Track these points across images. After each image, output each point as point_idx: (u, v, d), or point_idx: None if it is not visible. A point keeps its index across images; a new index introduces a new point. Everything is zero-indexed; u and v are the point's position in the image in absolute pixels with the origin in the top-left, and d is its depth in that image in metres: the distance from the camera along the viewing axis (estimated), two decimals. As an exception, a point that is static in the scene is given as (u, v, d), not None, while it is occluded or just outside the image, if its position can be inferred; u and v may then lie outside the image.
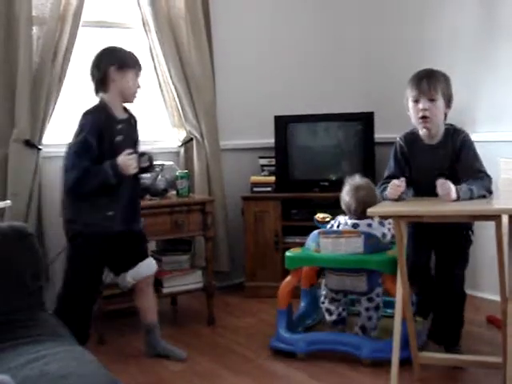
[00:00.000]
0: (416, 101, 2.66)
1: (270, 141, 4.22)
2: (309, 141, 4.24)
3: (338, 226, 3.18)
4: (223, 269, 4.27)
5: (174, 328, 3.64)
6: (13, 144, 3.48)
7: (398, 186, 2.60)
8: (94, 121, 2.82)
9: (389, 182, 2.68)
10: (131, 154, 2.83)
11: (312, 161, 4.20)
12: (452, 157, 2.69)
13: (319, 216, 3.43)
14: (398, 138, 2.85)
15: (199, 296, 3.74)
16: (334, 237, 3.06)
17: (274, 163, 4.25)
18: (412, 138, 2.80)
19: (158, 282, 3.62)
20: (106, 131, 2.83)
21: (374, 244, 3.01)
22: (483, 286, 3.78)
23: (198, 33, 4.10)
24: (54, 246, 3.65)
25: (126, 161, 2.81)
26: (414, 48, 4.22)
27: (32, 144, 3.55)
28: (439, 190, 2.48)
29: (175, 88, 4.08)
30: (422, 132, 2.73)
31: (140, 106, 4.16)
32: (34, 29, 3.53)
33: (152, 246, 3.81)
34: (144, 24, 4.01)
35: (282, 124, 4.19)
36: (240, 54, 4.43)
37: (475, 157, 2.68)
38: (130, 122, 3.01)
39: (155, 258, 3.71)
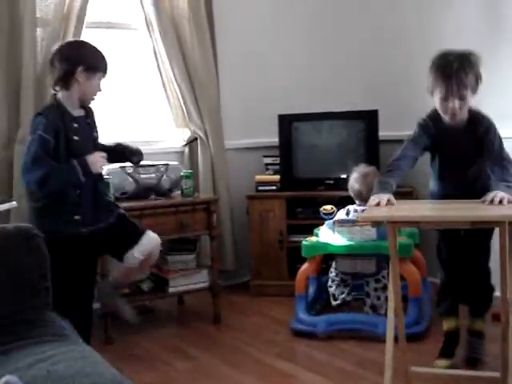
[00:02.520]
0: (445, 98, 2.53)
1: (275, 139, 4.22)
2: (313, 139, 4.24)
3: (347, 214, 3.39)
4: (228, 268, 4.28)
5: (180, 327, 3.66)
6: (18, 145, 3.49)
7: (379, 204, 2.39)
8: (49, 120, 2.60)
9: (393, 167, 2.59)
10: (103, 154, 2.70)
11: (316, 159, 4.20)
12: (476, 140, 2.62)
13: (325, 208, 3.60)
14: (421, 120, 2.70)
15: (205, 295, 3.75)
16: (349, 225, 3.28)
17: (278, 162, 4.25)
18: (436, 117, 2.65)
19: (164, 282, 3.63)
20: (61, 131, 2.63)
21: (385, 230, 3.07)
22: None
23: (201, 33, 4.10)
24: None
25: (97, 158, 2.66)
26: (417, 46, 4.20)
27: (37, 145, 3.55)
28: (491, 201, 2.32)
29: (179, 88, 4.08)
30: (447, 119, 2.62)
31: (144, 106, 4.22)
32: (38, 30, 3.54)
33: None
34: (147, 24, 4.01)
35: (286, 122, 4.19)
36: (243, 54, 4.43)
37: (500, 143, 2.61)
38: (87, 118, 2.80)
39: (161, 258, 3.73)
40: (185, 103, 4.12)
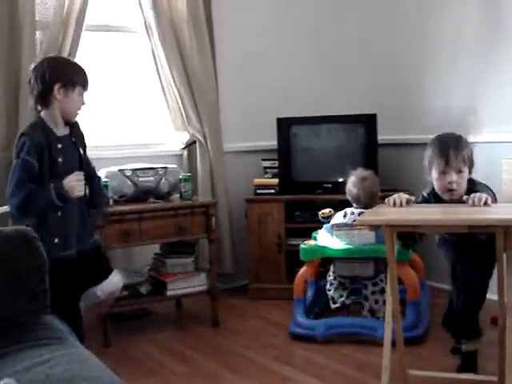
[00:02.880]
0: (443, 172, 2.55)
1: (273, 143, 4.22)
2: (312, 143, 4.24)
3: (344, 216, 3.42)
4: (227, 271, 4.28)
5: (179, 330, 3.66)
6: (17, 148, 3.49)
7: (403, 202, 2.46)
8: (33, 140, 2.55)
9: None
10: (80, 175, 2.61)
11: (315, 163, 4.20)
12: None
13: (323, 212, 3.61)
14: (423, 193, 2.72)
15: (203, 298, 3.75)
16: (348, 229, 3.30)
17: (277, 165, 4.26)
18: (435, 193, 2.66)
19: (162, 285, 3.63)
20: (46, 151, 2.58)
21: (383, 234, 3.09)
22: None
23: (200, 36, 4.11)
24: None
25: (72, 182, 2.57)
26: (417, 49, 4.22)
27: (36, 148, 3.55)
28: (472, 202, 2.35)
29: (178, 91, 4.09)
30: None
31: (143, 110, 4.23)
32: (38, 33, 3.55)
33: (156, 248, 3.82)
34: (146, 27, 4.02)
35: (285, 126, 4.19)
36: (242, 57, 4.44)
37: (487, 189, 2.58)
38: (72, 137, 2.71)
39: (159, 261, 3.75)
40: (184, 106, 4.12)
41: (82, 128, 2.79)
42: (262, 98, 4.47)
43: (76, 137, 2.73)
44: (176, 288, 3.63)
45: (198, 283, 3.70)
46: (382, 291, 3.32)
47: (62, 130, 2.66)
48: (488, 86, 3.82)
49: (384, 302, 3.16)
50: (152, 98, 4.24)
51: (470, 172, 2.60)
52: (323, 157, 4.20)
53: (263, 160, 4.36)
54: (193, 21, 4.08)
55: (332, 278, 3.50)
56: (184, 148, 4.23)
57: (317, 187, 4.13)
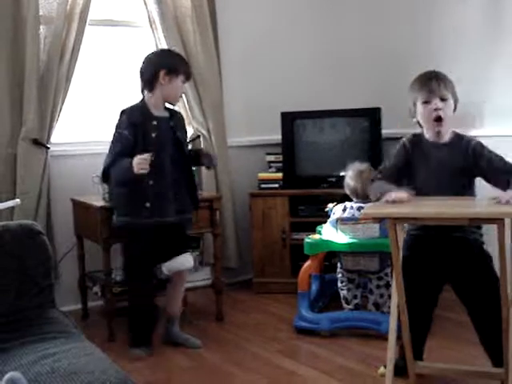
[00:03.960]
0: (426, 102, 2.50)
1: (277, 137, 4.22)
2: (316, 137, 4.24)
3: (343, 210, 3.40)
4: (231, 265, 4.28)
5: (183, 324, 3.65)
6: (21, 143, 3.50)
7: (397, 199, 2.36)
8: (129, 118, 3.00)
9: (381, 179, 2.57)
10: (150, 155, 2.89)
11: (319, 157, 4.20)
12: (465, 159, 2.51)
13: (330, 206, 3.59)
14: (403, 139, 2.67)
15: (208, 292, 3.76)
16: (352, 223, 3.29)
17: (281, 160, 4.25)
18: (416, 139, 2.62)
19: (166, 279, 3.63)
20: (140, 127, 2.99)
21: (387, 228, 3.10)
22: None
23: (204, 31, 4.10)
24: (63, 244, 3.69)
25: (138, 160, 2.87)
26: (420, 43, 4.20)
27: (40, 143, 3.57)
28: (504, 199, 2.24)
29: (182, 85, 4.08)
30: (431, 133, 2.56)
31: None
32: (42, 28, 3.55)
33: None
34: (150, 22, 4.01)
35: (289, 120, 4.19)
36: (246, 51, 4.43)
37: (495, 154, 2.52)
38: (170, 120, 3.11)
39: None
40: (188, 101, 4.12)
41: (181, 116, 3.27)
42: (265, 92, 4.46)
43: (175, 122, 3.14)
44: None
45: (203, 277, 3.72)
46: (387, 285, 3.35)
47: (160, 112, 3.09)
48: (491, 81, 3.81)
49: (389, 296, 3.16)
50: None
51: (455, 107, 2.54)
52: (327, 151, 4.20)
53: (267, 154, 4.36)
54: (197, 15, 4.07)
55: (341, 275, 3.50)
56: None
57: (321, 181, 4.13)
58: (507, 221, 2.18)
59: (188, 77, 3.15)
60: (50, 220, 3.66)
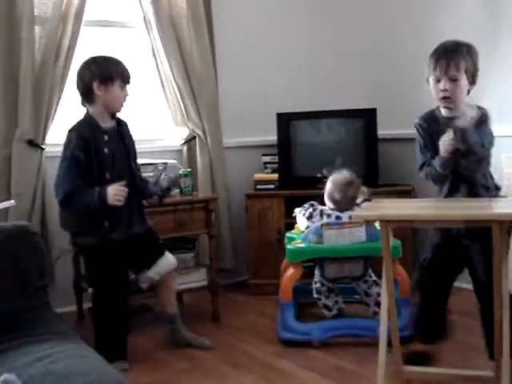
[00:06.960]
0: (438, 80, 2.48)
1: (273, 138, 4.22)
2: (312, 138, 4.24)
3: (320, 215, 3.29)
4: (227, 266, 4.28)
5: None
6: (16, 144, 3.49)
7: (448, 142, 2.38)
8: (80, 135, 2.81)
9: (428, 168, 2.53)
10: (124, 186, 2.82)
11: (315, 158, 4.19)
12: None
13: (297, 211, 3.50)
14: (416, 121, 2.64)
15: (204, 294, 3.74)
16: (338, 228, 3.18)
17: (277, 160, 4.25)
18: (430, 115, 2.61)
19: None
20: (92, 143, 2.82)
21: (373, 232, 3.12)
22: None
23: (199, 31, 4.10)
24: (57, 245, 3.67)
25: (115, 191, 2.78)
26: (416, 43, 4.19)
27: (35, 144, 3.55)
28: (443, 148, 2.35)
29: (177, 86, 4.08)
30: (442, 107, 2.56)
31: (143, 105, 4.21)
32: (36, 28, 3.53)
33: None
34: (146, 22, 4.01)
35: (285, 121, 4.18)
36: (242, 52, 4.43)
37: (489, 135, 2.55)
38: (119, 131, 2.97)
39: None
40: (183, 101, 4.11)
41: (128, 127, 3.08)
42: (261, 92, 4.46)
43: (123, 133, 2.99)
44: (176, 283, 3.63)
45: (199, 279, 3.70)
46: (376, 284, 3.26)
47: (108, 124, 2.92)
48: (489, 80, 3.80)
49: (378, 294, 3.14)
50: (151, 94, 4.23)
51: (473, 82, 2.51)
52: (323, 152, 4.19)
53: (263, 155, 4.36)
54: (192, 16, 4.06)
55: (319, 284, 3.36)
56: (184, 143, 4.22)
57: (317, 182, 4.11)
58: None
59: (126, 79, 2.92)
60: (45, 221, 3.65)
